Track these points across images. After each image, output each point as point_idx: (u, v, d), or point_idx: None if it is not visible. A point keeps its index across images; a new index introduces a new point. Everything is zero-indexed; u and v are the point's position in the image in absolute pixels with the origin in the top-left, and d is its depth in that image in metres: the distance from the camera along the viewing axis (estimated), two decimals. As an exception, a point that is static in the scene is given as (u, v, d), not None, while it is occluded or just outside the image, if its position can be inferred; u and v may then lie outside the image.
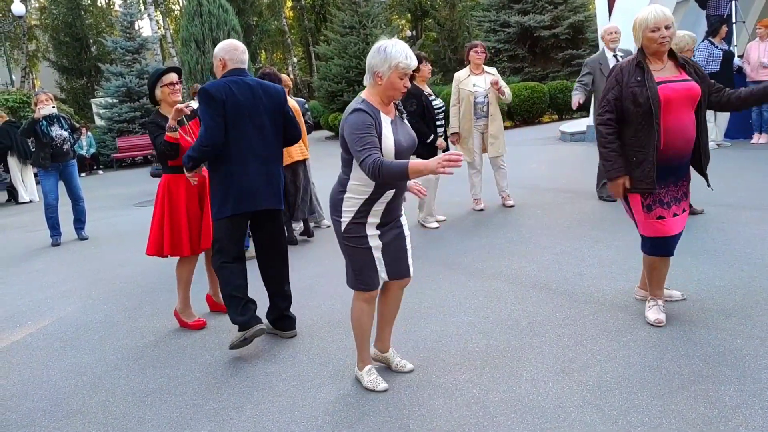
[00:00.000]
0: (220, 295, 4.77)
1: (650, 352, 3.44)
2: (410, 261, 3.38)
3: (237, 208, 3.99)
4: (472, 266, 5.32)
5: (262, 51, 38.79)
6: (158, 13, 32.89)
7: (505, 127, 17.00)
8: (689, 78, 3.54)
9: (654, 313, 3.80)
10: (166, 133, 4.24)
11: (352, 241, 3.19)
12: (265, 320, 4.28)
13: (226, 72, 4.05)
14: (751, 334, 3.50)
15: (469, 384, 3.33)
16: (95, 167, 20.43)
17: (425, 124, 6.34)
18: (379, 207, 3.16)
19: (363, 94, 3.12)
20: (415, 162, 2.82)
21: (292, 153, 6.60)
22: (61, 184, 8.35)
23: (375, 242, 3.20)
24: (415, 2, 38.05)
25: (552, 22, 20.75)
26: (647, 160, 3.51)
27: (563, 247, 5.52)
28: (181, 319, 4.68)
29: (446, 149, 6.58)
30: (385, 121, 3.05)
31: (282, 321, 4.32)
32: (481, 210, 7.28)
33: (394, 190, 3.15)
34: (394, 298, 3.48)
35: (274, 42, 39.21)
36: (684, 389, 3.03)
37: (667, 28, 3.45)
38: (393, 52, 2.95)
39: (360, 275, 3.24)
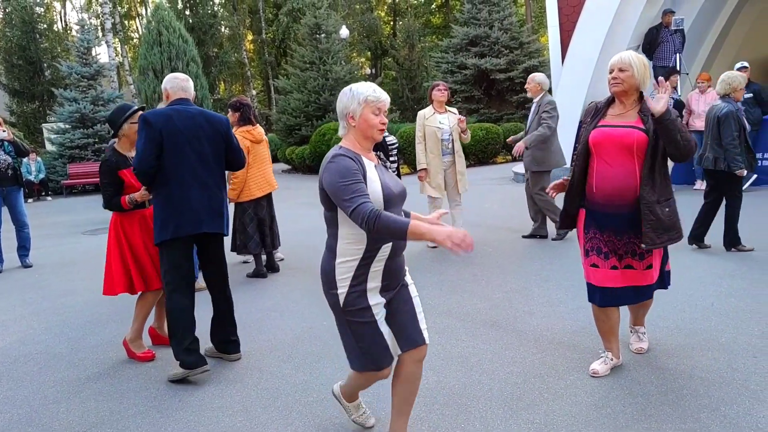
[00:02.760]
0: (165, 328, 4.72)
1: (596, 390, 3.50)
2: (423, 326, 2.91)
3: (177, 231, 4.02)
4: (425, 303, 5.34)
5: (222, 82, 38.76)
6: (116, 40, 32.63)
7: (461, 166, 17.43)
8: (638, 126, 3.41)
9: (596, 363, 3.74)
10: (125, 200, 4.40)
11: (355, 315, 2.74)
12: (209, 344, 4.46)
13: (170, 102, 4.18)
14: (692, 374, 3.59)
15: (419, 421, 3.32)
16: (44, 193, 19.93)
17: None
18: (377, 267, 2.75)
19: (342, 142, 2.83)
20: (419, 223, 2.50)
21: (272, 183, 6.65)
22: (5, 210, 8.12)
23: (380, 312, 2.78)
24: (376, 41, 38.70)
25: (507, 66, 21.33)
26: (573, 199, 3.68)
27: (514, 286, 5.61)
28: (130, 349, 4.57)
29: None
30: (369, 165, 2.74)
31: (227, 345, 4.39)
32: (435, 247, 7.35)
33: (391, 244, 2.75)
34: (411, 375, 2.91)
35: (234, 74, 39.26)
36: (628, 428, 3.09)
37: (621, 70, 3.41)
38: (360, 89, 2.76)
39: (368, 354, 2.78)
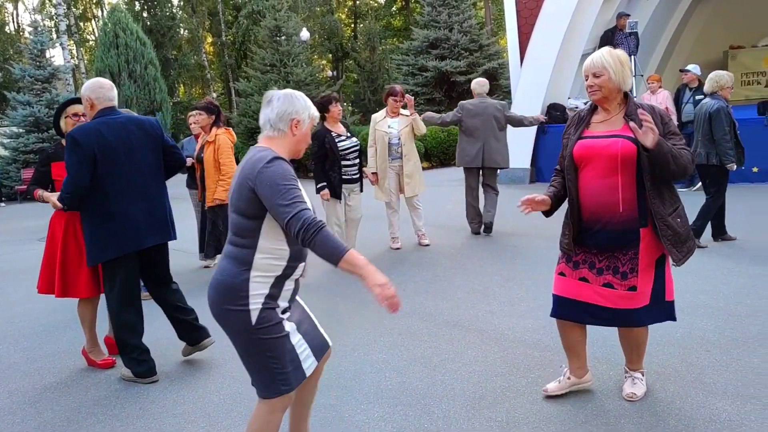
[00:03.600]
0: None
1: (556, 387, 3.56)
2: (321, 329, 2.80)
3: (120, 249, 3.94)
4: (388, 304, 5.35)
5: (181, 85, 38.25)
6: (72, 42, 31.96)
7: (423, 168, 17.47)
8: (623, 135, 3.09)
9: (552, 383, 3.48)
10: (37, 193, 4.33)
11: (269, 332, 2.48)
12: (182, 347, 4.43)
13: (95, 113, 3.99)
14: (648, 369, 3.65)
15: (382, 422, 3.33)
16: (-3, 199, 19.40)
17: (327, 166, 6.47)
18: (289, 286, 2.58)
19: (266, 145, 2.58)
20: (358, 255, 2.35)
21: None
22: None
23: (290, 326, 2.57)
24: (337, 43, 38.63)
25: (468, 68, 21.51)
26: (567, 221, 3.30)
27: (475, 286, 5.66)
28: (89, 357, 4.48)
29: (337, 195, 6.65)
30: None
31: (195, 333, 4.33)
32: (398, 249, 7.37)
33: (304, 264, 2.62)
34: (316, 376, 2.86)
35: (194, 77, 38.75)
36: (587, 423, 3.15)
37: (595, 76, 3.10)
38: (310, 104, 2.63)
39: (282, 374, 2.51)
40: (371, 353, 4.30)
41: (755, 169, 9.36)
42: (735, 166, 6.19)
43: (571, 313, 3.31)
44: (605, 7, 11.47)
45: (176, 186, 8.47)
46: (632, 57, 10.91)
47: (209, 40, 39.30)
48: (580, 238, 3.25)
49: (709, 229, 6.53)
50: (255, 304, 2.46)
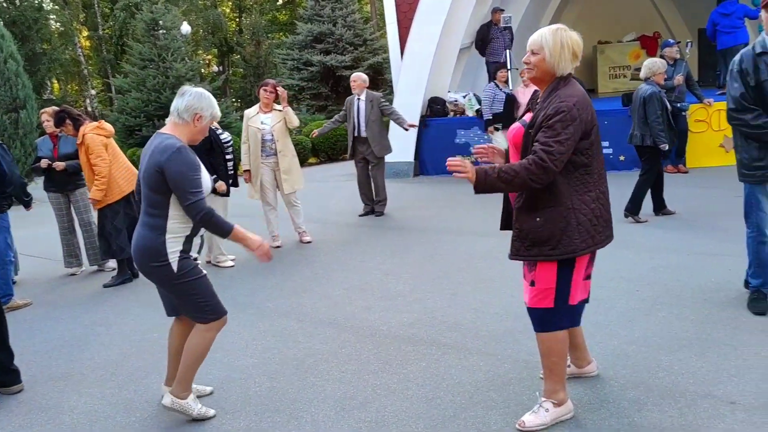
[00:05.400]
0: None
1: (427, 382, 3.53)
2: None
3: None
4: (264, 305, 5.18)
5: (54, 81, 35.97)
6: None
7: (310, 164, 17.30)
8: (525, 121, 2.93)
9: (528, 415, 3.03)
10: None
11: (191, 274, 3.15)
12: None
13: None
14: (518, 357, 3.72)
15: (247, 431, 3.18)
16: None
17: (213, 159, 6.17)
18: (197, 242, 3.25)
19: (170, 132, 3.15)
20: (241, 229, 3.14)
21: (130, 180, 6.17)
22: None
23: (203, 270, 3.25)
24: (221, 38, 37.59)
25: (353, 63, 21.43)
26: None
27: (354, 282, 5.58)
28: None
29: (227, 193, 6.39)
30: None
31: (6, 376, 3.94)
32: (278, 247, 7.17)
33: None
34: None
35: (69, 72, 36.52)
36: (456, 417, 3.12)
37: (533, 53, 2.85)
38: (214, 104, 3.22)
39: (212, 303, 3.22)
40: (242, 358, 4.12)
41: (622, 158, 9.84)
42: (667, 146, 6.63)
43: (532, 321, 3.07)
44: (480, 1, 11.69)
45: (38, 189, 7.90)
46: (507, 51, 11.22)
47: (84, 33, 37.19)
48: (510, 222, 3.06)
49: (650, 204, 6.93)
50: (173, 258, 3.10)
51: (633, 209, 6.78)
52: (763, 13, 3.83)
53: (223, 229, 3.11)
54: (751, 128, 3.88)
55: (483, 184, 2.75)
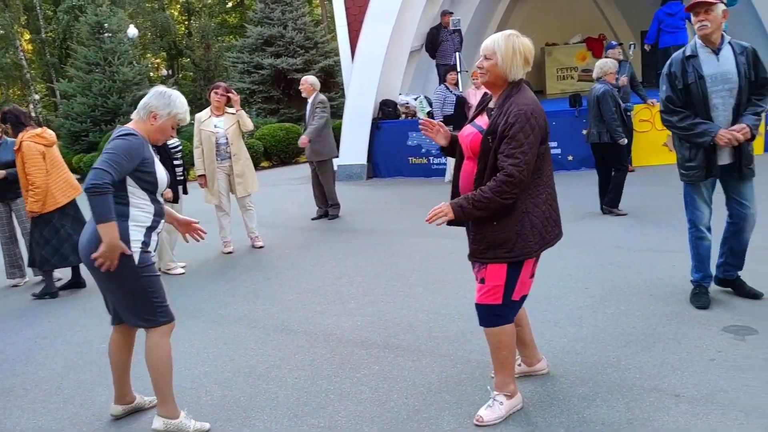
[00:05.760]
0: None
1: (381, 385, 3.52)
2: None
3: None
4: (215, 312, 5.10)
5: (-6, 86, 34.84)
6: None
7: (263, 168, 17.13)
8: (483, 126, 2.93)
9: (484, 409, 3.08)
10: None
11: (151, 270, 3.13)
12: None
13: None
14: (470, 358, 3.75)
15: (198, 442, 3.12)
16: None
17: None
18: (155, 238, 3.19)
19: (131, 126, 3.17)
20: (115, 229, 2.91)
21: (76, 185, 6.03)
22: None
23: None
24: (170, 41, 36.97)
25: (304, 66, 21.33)
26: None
27: (308, 286, 5.54)
28: None
29: (175, 200, 6.26)
30: (153, 153, 3.18)
31: None
32: (230, 252, 7.08)
33: (163, 220, 3.25)
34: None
35: (10, 77, 35.39)
36: (409, 420, 3.13)
37: (486, 58, 2.89)
38: (177, 102, 3.17)
39: (161, 307, 3.15)
40: (193, 366, 4.05)
41: (570, 158, 10.02)
42: (626, 140, 6.89)
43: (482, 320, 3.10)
44: (430, 4, 11.78)
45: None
46: (457, 53, 11.31)
47: (27, 36, 36.10)
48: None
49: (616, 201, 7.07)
50: (135, 247, 3.04)
51: (612, 203, 7.00)
52: (692, 16, 3.97)
53: (101, 215, 2.85)
54: (679, 129, 4.04)
55: (462, 218, 2.86)
